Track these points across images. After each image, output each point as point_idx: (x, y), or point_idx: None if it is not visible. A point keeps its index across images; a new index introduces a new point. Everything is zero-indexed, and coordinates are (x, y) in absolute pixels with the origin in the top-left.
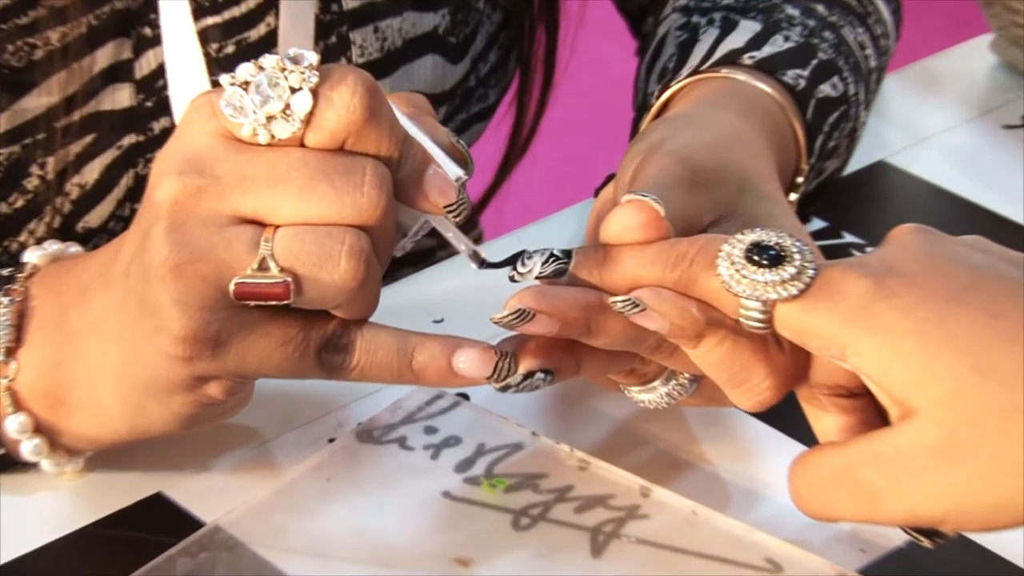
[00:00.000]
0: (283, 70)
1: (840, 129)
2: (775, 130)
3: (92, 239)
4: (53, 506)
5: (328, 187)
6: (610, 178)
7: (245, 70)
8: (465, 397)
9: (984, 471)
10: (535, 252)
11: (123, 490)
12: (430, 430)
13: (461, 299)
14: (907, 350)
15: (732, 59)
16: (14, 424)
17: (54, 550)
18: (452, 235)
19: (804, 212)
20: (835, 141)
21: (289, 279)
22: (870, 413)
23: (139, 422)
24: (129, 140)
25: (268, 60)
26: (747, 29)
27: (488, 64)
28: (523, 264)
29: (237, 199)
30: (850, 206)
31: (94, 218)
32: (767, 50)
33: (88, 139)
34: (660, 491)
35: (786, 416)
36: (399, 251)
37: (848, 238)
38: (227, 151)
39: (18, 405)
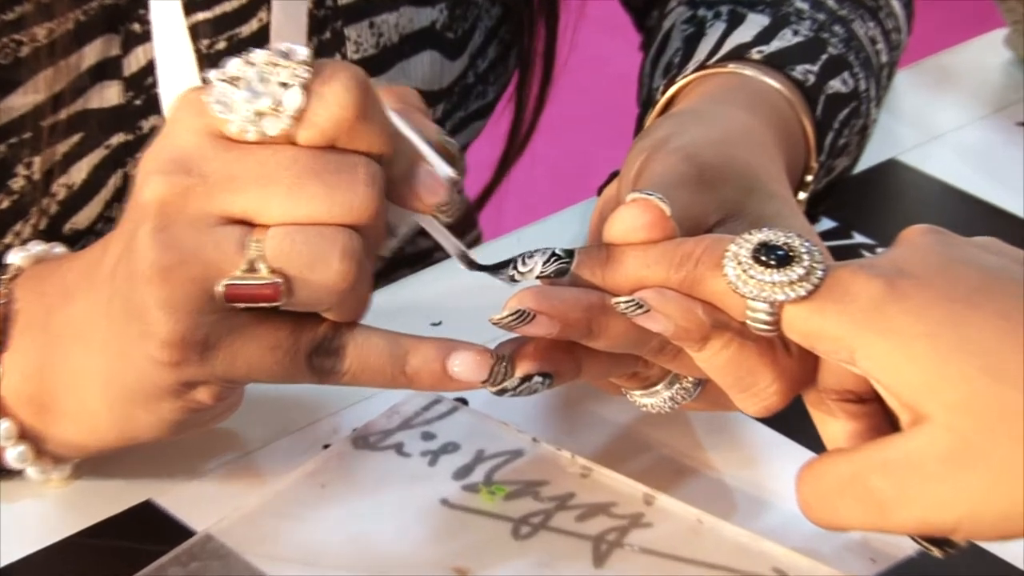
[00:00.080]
0: (274, 65)
1: (850, 126)
2: (784, 127)
3: (80, 241)
4: (39, 515)
5: (319, 186)
6: (614, 175)
7: (234, 65)
8: (464, 402)
9: (997, 478)
10: (536, 251)
11: (111, 498)
12: (428, 436)
13: (459, 301)
14: (918, 354)
15: (740, 54)
16: None
17: (39, 560)
18: (441, 236)
19: (813, 212)
20: (845, 138)
21: (280, 280)
22: (879, 419)
23: (127, 428)
24: (118, 139)
25: (258, 55)
26: (755, 23)
27: (487, 60)
28: (523, 263)
29: (226, 199)
30: (860, 205)
31: (82, 219)
32: (776, 45)
33: (75, 138)
34: (664, 499)
35: (793, 421)
36: (387, 251)
37: (858, 238)
38: (215, 149)
39: (2, 411)
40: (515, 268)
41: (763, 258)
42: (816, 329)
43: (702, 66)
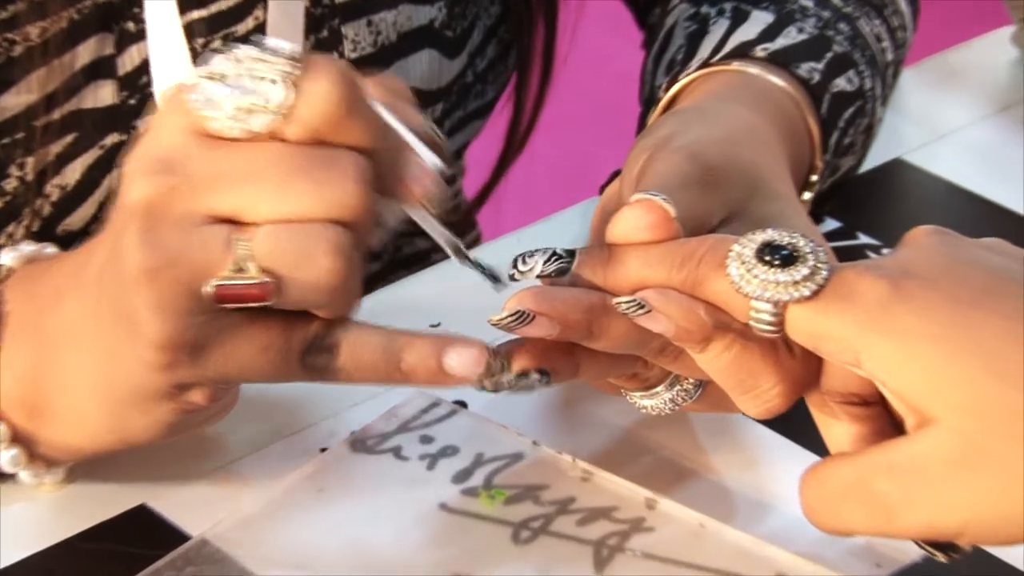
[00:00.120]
0: (259, 61)
1: (856, 125)
2: (788, 126)
3: (73, 243)
4: (32, 519)
5: (307, 183)
6: (616, 174)
7: (219, 62)
8: (463, 405)
9: (1003, 481)
10: (536, 251)
11: (105, 501)
12: (426, 439)
13: (458, 302)
14: (925, 355)
15: (744, 51)
16: None
17: (33, 565)
18: (432, 227)
19: (818, 212)
20: (850, 138)
21: (269, 280)
22: (884, 422)
23: (121, 430)
24: (112, 139)
25: (243, 51)
26: (759, 20)
27: (486, 59)
28: (524, 262)
29: (212, 198)
30: (865, 206)
31: (75, 221)
32: (780, 42)
33: (69, 138)
34: (666, 503)
35: (797, 424)
36: (376, 244)
37: (863, 239)
38: (200, 148)
39: None
40: (515, 267)
41: (767, 258)
42: (820, 330)
43: (705, 64)
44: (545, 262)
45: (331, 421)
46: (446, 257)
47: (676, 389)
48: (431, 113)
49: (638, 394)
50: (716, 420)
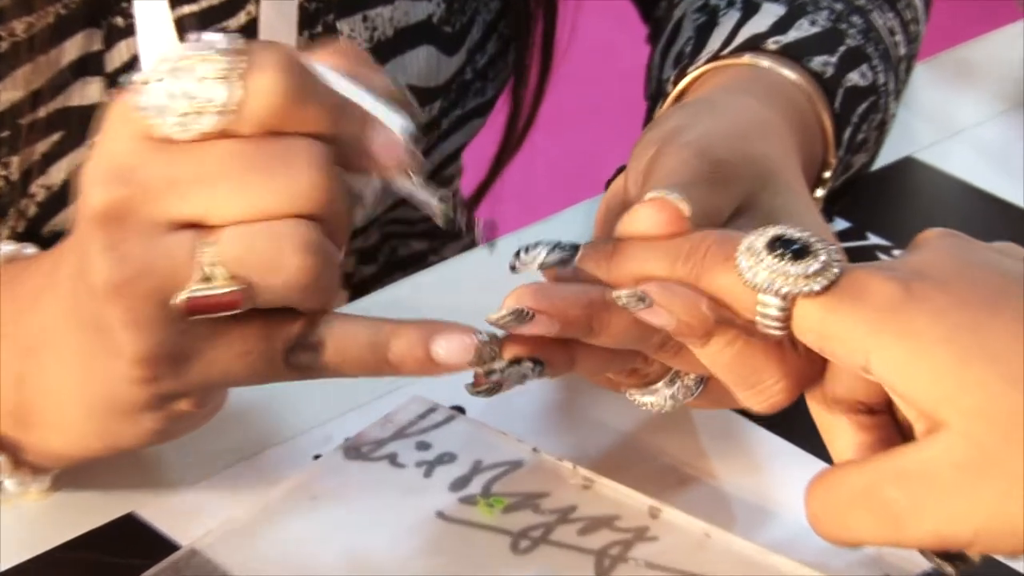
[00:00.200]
0: (199, 59)
1: (869, 121)
2: (801, 120)
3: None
4: (16, 528)
5: (263, 178)
6: (621, 169)
7: (159, 65)
8: (461, 410)
9: (1016, 488)
10: (539, 243)
11: (92, 510)
12: (423, 446)
13: (455, 304)
14: (936, 358)
15: (755, 44)
16: None
17: (17, 575)
18: (413, 194)
19: (827, 211)
20: (864, 134)
21: (238, 287)
22: (890, 431)
23: (109, 438)
24: None
25: (181, 50)
26: (770, 12)
27: (486, 56)
28: (526, 252)
29: (170, 204)
30: (876, 205)
31: (62, 222)
32: (792, 35)
33: (55, 137)
34: (670, 511)
35: (804, 429)
36: (361, 221)
37: (873, 239)
38: (152, 154)
39: None
40: (517, 258)
41: (779, 251)
42: (829, 330)
43: (715, 57)
44: (548, 253)
45: (324, 427)
46: (442, 259)
47: (677, 385)
48: (428, 112)
49: (637, 391)
50: (719, 424)
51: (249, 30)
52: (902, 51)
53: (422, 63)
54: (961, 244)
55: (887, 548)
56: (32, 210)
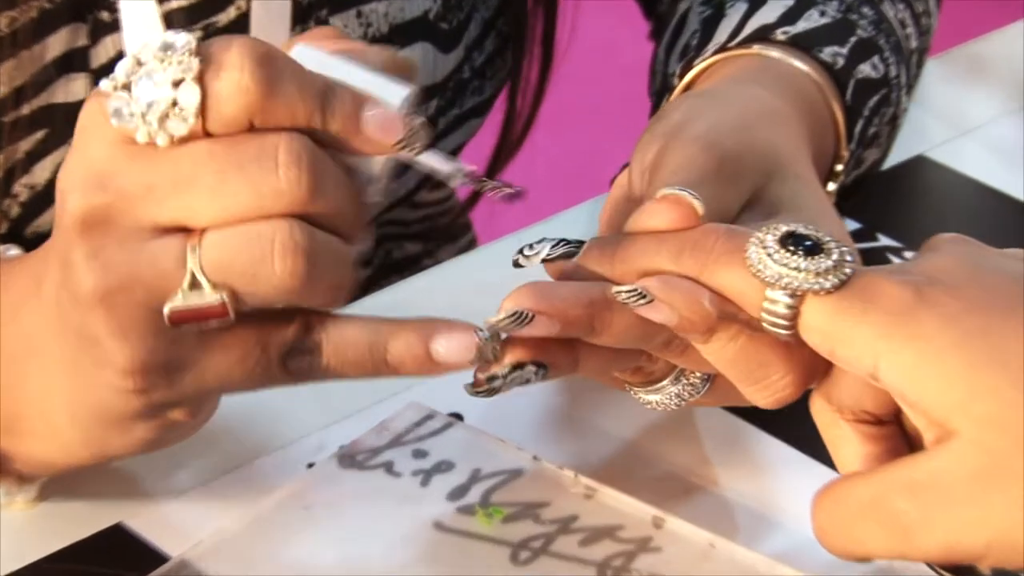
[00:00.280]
0: (160, 61)
1: (881, 114)
2: (811, 112)
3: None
4: (2, 539)
5: (240, 178)
6: (627, 167)
7: (123, 70)
8: (459, 417)
9: None
10: (544, 239)
11: (79, 521)
12: (420, 454)
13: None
14: (948, 365)
15: (763, 35)
16: None
17: None
18: (424, 166)
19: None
20: (875, 127)
21: (224, 296)
22: (897, 441)
23: (99, 448)
24: None
25: (146, 52)
26: (779, 3)
27: (484, 54)
28: (531, 248)
29: (150, 210)
30: (886, 205)
31: (45, 223)
32: (802, 25)
33: (39, 135)
34: (674, 521)
35: (811, 436)
36: (377, 199)
37: (884, 240)
38: (128, 159)
39: None
40: (521, 252)
41: (791, 247)
42: (838, 331)
43: (722, 48)
44: (552, 247)
45: (318, 435)
46: (438, 262)
47: (682, 383)
48: (424, 111)
49: (642, 389)
50: (724, 431)
51: (239, 25)
52: (914, 44)
53: (418, 60)
54: (973, 249)
55: (896, 561)
56: (15, 210)
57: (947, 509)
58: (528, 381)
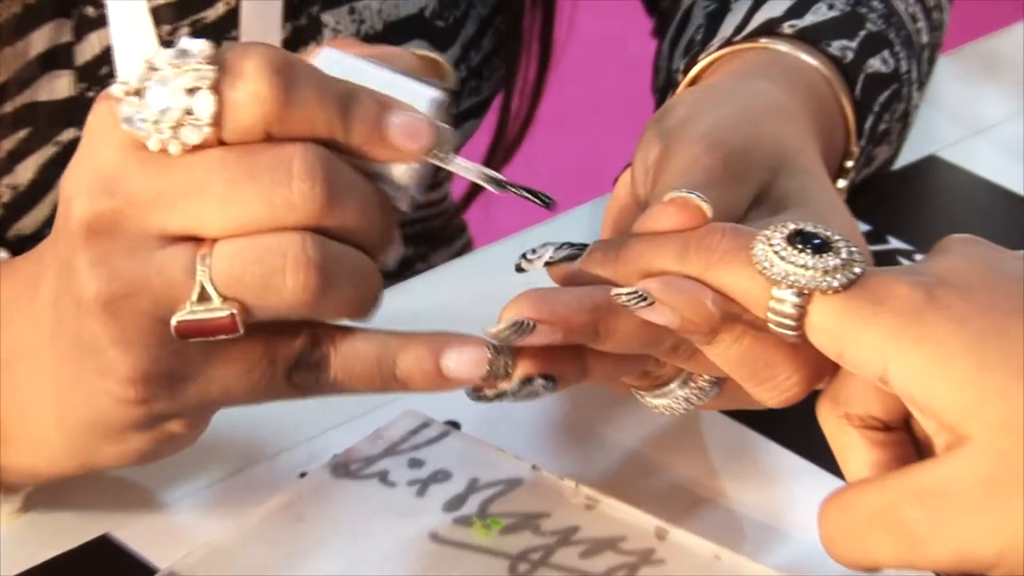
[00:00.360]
0: (176, 68)
1: (892, 111)
2: (820, 105)
3: (25, 248)
4: None
5: (252, 188)
6: (630, 166)
7: (136, 75)
8: (456, 425)
9: None
10: (547, 243)
11: (64, 531)
12: (415, 463)
13: (447, 314)
14: (958, 367)
15: (770, 28)
16: None
17: None
18: (454, 167)
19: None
20: (886, 124)
21: (234, 309)
22: (906, 448)
23: (88, 458)
24: (69, 135)
25: (159, 58)
26: None
27: (481, 52)
28: (533, 252)
29: (159, 218)
30: (897, 206)
31: (28, 224)
32: (809, 19)
33: (22, 134)
34: (678, 532)
35: (819, 445)
36: (407, 207)
37: (894, 243)
38: (138, 164)
39: None
40: (523, 257)
41: (799, 244)
42: (846, 332)
43: (728, 42)
44: (555, 250)
45: (311, 443)
46: (430, 265)
47: (690, 387)
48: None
49: (648, 393)
50: (729, 440)
51: (228, 21)
52: (925, 39)
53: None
54: (985, 251)
55: (905, 571)
56: None
57: (958, 517)
58: (537, 395)
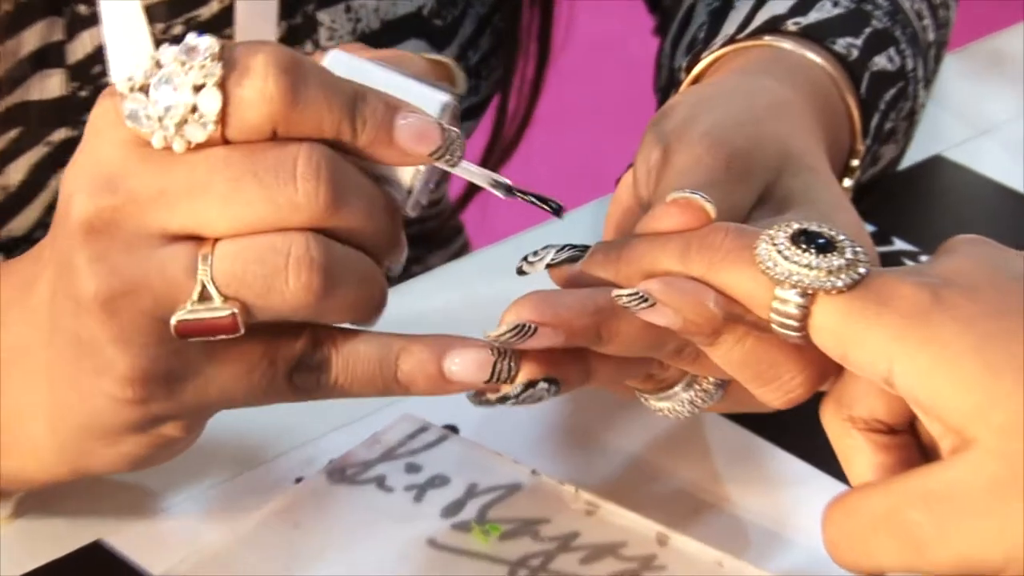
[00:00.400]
0: (182, 64)
1: (898, 109)
2: (825, 103)
3: (16, 250)
4: None
5: (256, 187)
6: (632, 166)
7: (141, 70)
8: (454, 430)
9: None
10: (548, 245)
11: (56, 538)
12: (413, 468)
13: (443, 318)
14: (965, 369)
15: (774, 26)
16: None
17: None
18: (462, 172)
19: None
20: (892, 122)
21: (235, 309)
22: (911, 451)
23: (81, 463)
24: (60, 135)
25: (166, 54)
26: None
27: (479, 52)
28: (535, 254)
29: (160, 216)
30: (902, 207)
31: (18, 226)
32: (814, 16)
33: (12, 134)
34: (679, 538)
35: (823, 449)
36: (413, 211)
37: (899, 244)
38: (141, 162)
39: None
40: (525, 259)
41: (803, 244)
42: (851, 333)
43: (731, 40)
44: (557, 251)
45: (307, 448)
46: (426, 268)
47: (695, 389)
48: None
49: (653, 396)
50: (732, 444)
51: (223, 19)
52: (931, 36)
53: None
54: (992, 251)
55: None
56: None
57: (964, 521)
58: (541, 399)
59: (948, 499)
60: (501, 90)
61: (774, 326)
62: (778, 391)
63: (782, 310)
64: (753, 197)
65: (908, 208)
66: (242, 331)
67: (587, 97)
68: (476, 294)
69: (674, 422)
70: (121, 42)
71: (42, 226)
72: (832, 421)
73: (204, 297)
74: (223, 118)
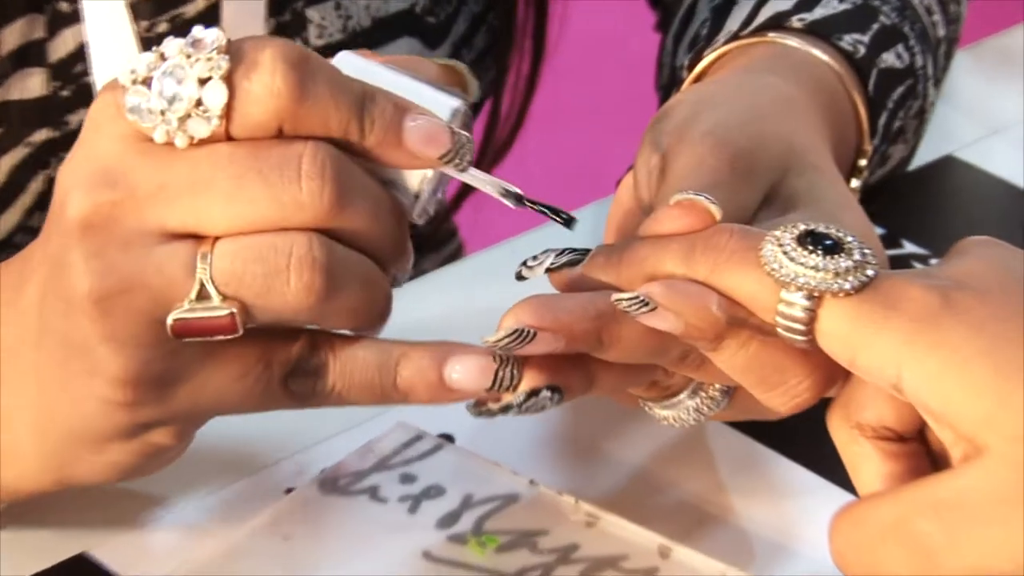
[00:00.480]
0: (187, 57)
1: (907, 108)
2: (831, 101)
3: None
4: None
5: (260, 185)
6: (633, 167)
7: (145, 62)
8: (449, 439)
9: None
10: (548, 250)
11: (40, 550)
12: (407, 478)
13: (441, 324)
14: (975, 374)
15: (779, 22)
16: None
17: None
18: (471, 179)
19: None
20: (901, 121)
21: (234, 309)
22: (921, 460)
23: (66, 472)
24: (41, 136)
25: (171, 46)
26: None
27: (473, 50)
28: (534, 258)
29: (159, 212)
30: (912, 209)
31: (1, 229)
32: (819, 12)
33: None
34: (682, 550)
35: (830, 459)
36: (420, 218)
37: (909, 247)
38: (141, 157)
39: None
40: (524, 264)
41: (810, 245)
42: (858, 337)
43: (735, 37)
44: (557, 255)
45: (298, 458)
46: (424, 270)
47: (700, 397)
48: None
49: (657, 404)
50: (736, 453)
51: (208, 16)
52: (941, 32)
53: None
54: (1004, 253)
55: None
56: None
57: (975, 530)
58: (544, 408)
59: (959, 508)
60: (495, 89)
61: (779, 330)
62: (784, 396)
63: (788, 313)
64: (758, 198)
65: (918, 210)
66: (240, 332)
67: (587, 96)
68: (472, 299)
69: (676, 431)
70: (104, 40)
71: (22, 230)
72: (839, 428)
73: (202, 296)
74: (228, 113)
